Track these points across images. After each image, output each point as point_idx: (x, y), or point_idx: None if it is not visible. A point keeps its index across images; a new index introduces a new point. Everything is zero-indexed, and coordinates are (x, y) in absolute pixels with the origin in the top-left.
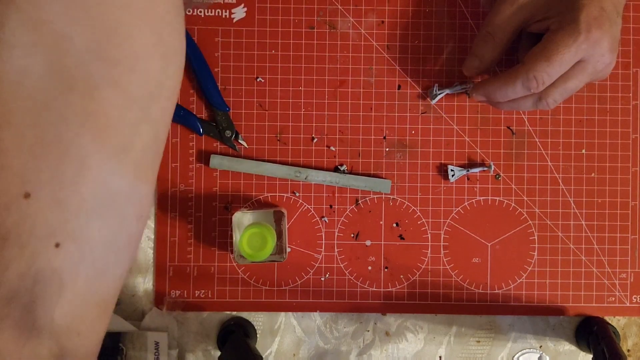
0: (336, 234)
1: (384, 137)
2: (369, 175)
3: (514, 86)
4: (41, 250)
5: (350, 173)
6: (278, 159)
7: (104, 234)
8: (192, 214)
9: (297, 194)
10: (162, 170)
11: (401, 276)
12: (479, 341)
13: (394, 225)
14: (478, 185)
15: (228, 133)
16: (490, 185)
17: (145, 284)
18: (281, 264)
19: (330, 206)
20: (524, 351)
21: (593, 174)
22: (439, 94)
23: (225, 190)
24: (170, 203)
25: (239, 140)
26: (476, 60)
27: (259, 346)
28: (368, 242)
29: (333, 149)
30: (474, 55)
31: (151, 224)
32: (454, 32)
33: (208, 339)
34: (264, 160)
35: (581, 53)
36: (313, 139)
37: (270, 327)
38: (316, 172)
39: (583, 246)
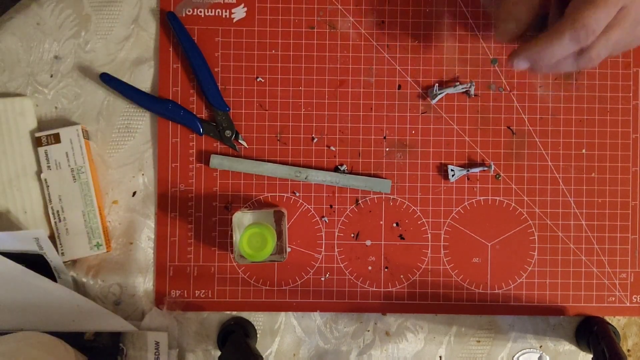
0: (336, 234)
1: (384, 137)
2: (369, 175)
3: (561, 41)
4: None
5: (350, 173)
6: (278, 159)
7: None
8: (192, 214)
9: (297, 194)
10: (162, 170)
11: (401, 276)
12: (479, 341)
13: (394, 225)
14: (478, 185)
15: (228, 133)
16: (490, 185)
17: (145, 284)
18: (281, 264)
19: (330, 206)
20: (524, 351)
21: (593, 174)
22: (439, 94)
23: (225, 190)
24: (170, 203)
25: (239, 140)
26: (511, 23)
27: (259, 346)
28: (368, 242)
29: (333, 149)
30: (507, 18)
31: (151, 224)
32: (454, 32)
33: (208, 339)
34: (264, 160)
35: None
36: (313, 139)
37: (271, 327)
38: (316, 172)
39: (583, 246)
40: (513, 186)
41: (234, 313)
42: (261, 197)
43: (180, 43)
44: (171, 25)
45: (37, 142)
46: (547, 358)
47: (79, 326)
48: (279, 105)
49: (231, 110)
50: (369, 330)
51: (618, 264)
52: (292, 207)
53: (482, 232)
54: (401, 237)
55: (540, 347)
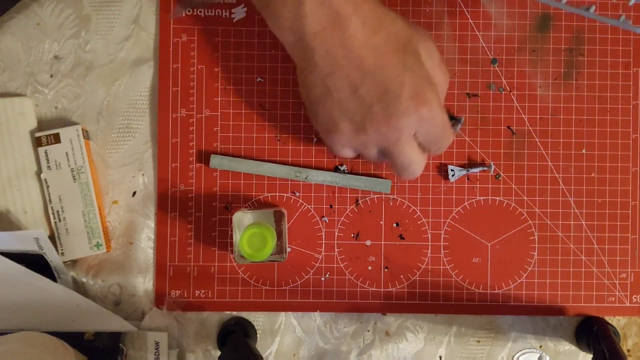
0: (336, 234)
1: None
2: (369, 175)
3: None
4: None
5: (350, 173)
6: (278, 159)
7: None
8: (192, 214)
9: (297, 194)
10: (162, 170)
11: (401, 276)
12: (479, 341)
13: (394, 225)
14: (478, 185)
15: None
16: (490, 185)
17: (145, 284)
18: (281, 264)
19: (330, 206)
20: (524, 351)
21: (593, 174)
22: None
23: (225, 190)
24: (170, 203)
25: None
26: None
27: (259, 346)
28: (368, 242)
29: None
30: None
31: (151, 224)
32: (454, 32)
33: (208, 339)
34: (264, 160)
35: None
36: (313, 139)
37: (271, 327)
38: (316, 172)
39: (583, 246)
40: (513, 186)
41: (234, 313)
42: (261, 197)
43: None
44: None
45: (37, 142)
46: (547, 358)
47: (79, 326)
48: (279, 105)
49: (231, 111)
50: (369, 330)
51: (618, 264)
52: (292, 207)
53: (482, 232)
54: (401, 237)
55: (540, 347)
